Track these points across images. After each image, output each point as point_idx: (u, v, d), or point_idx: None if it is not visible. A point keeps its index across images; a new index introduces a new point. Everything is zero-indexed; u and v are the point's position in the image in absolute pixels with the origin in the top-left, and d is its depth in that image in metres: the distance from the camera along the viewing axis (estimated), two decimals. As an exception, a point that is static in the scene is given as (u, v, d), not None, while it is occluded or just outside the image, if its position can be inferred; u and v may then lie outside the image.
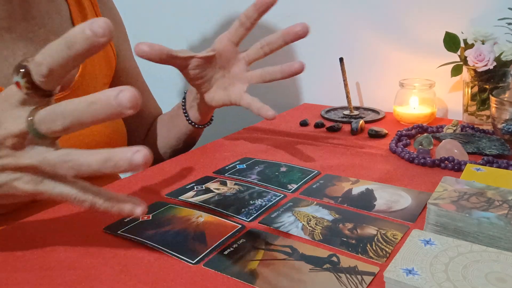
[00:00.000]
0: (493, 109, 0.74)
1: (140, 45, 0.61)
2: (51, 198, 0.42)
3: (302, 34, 0.67)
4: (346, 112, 1.01)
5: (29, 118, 0.38)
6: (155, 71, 1.38)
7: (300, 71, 0.69)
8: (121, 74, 0.84)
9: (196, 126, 0.79)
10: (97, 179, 0.75)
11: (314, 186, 0.62)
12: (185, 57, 0.67)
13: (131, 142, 0.85)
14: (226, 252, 0.46)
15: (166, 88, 1.37)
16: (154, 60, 0.63)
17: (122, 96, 0.33)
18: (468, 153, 0.74)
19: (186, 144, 0.84)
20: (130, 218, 0.54)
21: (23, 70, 0.37)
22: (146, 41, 0.61)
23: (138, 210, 0.41)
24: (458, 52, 0.88)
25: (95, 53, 0.35)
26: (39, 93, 0.38)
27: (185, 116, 0.79)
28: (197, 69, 0.69)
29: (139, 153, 0.35)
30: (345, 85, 1.01)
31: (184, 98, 0.79)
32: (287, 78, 0.71)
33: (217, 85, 0.73)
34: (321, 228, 0.51)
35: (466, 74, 0.88)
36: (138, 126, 0.87)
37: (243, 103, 0.71)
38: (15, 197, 0.43)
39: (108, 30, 0.34)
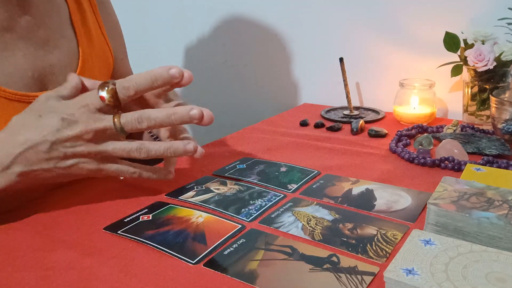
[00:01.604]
0: (493, 109, 0.74)
1: None
2: (108, 174, 0.56)
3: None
4: (346, 112, 1.01)
5: (115, 120, 0.53)
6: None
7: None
8: (116, 79, 0.83)
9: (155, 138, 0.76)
10: (97, 179, 0.75)
11: (314, 186, 0.62)
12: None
13: None
14: (226, 252, 0.46)
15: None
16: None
17: (193, 113, 0.53)
18: (468, 153, 0.74)
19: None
20: (131, 218, 0.54)
21: (110, 88, 0.52)
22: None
23: (170, 176, 0.60)
24: (458, 52, 0.88)
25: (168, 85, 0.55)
26: (116, 105, 0.53)
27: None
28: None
29: (189, 144, 0.56)
30: (345, 85, 1.01)
31: None
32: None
33: None
34: (321, 228, 0.51)
35: (466, 74, 0.88)
36: None
37: None
38: (80, 175, 0.55)
39: (181, 75, 0.53)
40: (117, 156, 0.56)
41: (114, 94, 0.52)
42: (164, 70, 0.53)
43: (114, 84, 0.52)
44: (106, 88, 0.52)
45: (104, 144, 0.53)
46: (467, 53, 0.84)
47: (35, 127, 0.52)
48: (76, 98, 0.54)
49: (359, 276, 0.42)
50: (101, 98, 0.52)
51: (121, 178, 0.62)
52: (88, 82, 0.60)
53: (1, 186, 0.52)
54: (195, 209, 0.56)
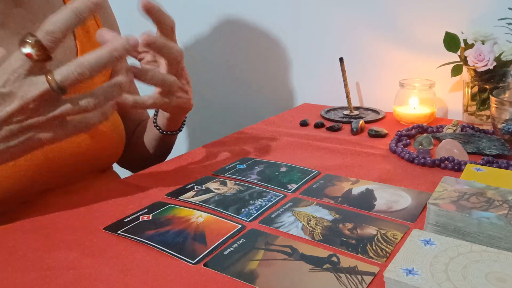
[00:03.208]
0: (493, 109, 0.74)
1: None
2: (69, 135, 0.50)
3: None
4: (346, 112, 1.01)
5: (49, 80, 0.46)
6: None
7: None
8: (114, 75, 0.83)
9: (161, 131, 0.76)
10: (97, 179, 0.75)
11: (314, 186, 0.62)
12: None
13: None
14: (226, 252, 0.46)
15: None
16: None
17: (132, 42, 0.48)
18: (468, 153, 0.74)
19: (156, 152, 0.82)
20: (131, 218, 0.54)
21: (33, 41, 0.45)
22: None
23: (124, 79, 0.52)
24: (458, 52, 0.88)
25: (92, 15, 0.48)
26: (45, 58, 0.46)
27: (154, 121, 0.77)
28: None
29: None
30: (345, 85, 1.01)
31: None
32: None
33: None
34: (321, 228, 0.51)
35: (466, 74, 0.88)
36: (125, 127, 0.86)
37: None
38: (41, 146, 0.51)
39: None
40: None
41: (40, 45, 0.46)
42: (83, 1, 0.47)
43: (35, 35, 0.46)
44: (29, 42, 0.46)
45: (53, 108, 0.48)
46: (467, 53, 0.84)
47: None
48: (3, 64, 0.47)
49: (359, 276, 0.42)
50: (28, 55, 0.46)
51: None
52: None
53: None
54: (195, 209, 0.56)
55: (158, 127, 0.77)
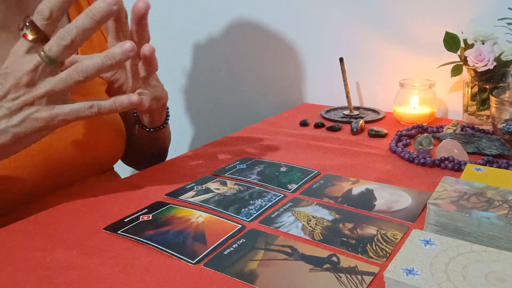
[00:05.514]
0: (493, 109, 0.74)
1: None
2: (65, 119, 0.51)
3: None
4: (346, 112, 1.01)
5: (40, 53, 0.48)
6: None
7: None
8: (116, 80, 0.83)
9: (146, 129, 0.76)
10: (97, 179, 0.75)
11: (314, 186, 0.62)
12: None
13: None
14: (226, 252, 0.46)
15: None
16: None
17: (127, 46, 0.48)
18: (468, 153, 0.74)
19: (153, 151, 0.82)
20: (131, 218, 0.54)
21: (28, 22, 0.48)
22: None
23: (133, 97, 0.52)
24: (458, 52, 0.88)
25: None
26: (41, 37, 0.49)
27: (136, 119, 0.76)
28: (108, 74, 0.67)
29: (134, 96, 0.51)
30: (345, 85, 1.01)
31: None
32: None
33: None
34: (321, 228, 0.51)
35: (466, 74, 0.88)
36: (126, 128, 0.83)
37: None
38: (40, 129, 0.51)
39: None
40: (66, 95, 0.52)
41: (33, 25, 0.48)
42: None
43: (29, 17, 0.49)
44: (25, 24, 0.49)
45: (45, 83, 0.50)
46: (467, 53, 0.84)
47: None
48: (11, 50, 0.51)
49: (359, 276, 0.42)
50: (24, 36, 0.49)
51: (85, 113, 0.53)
52: None
53: None
54: (195, 209, 0.56)
55: (143, 126, 0.76)
